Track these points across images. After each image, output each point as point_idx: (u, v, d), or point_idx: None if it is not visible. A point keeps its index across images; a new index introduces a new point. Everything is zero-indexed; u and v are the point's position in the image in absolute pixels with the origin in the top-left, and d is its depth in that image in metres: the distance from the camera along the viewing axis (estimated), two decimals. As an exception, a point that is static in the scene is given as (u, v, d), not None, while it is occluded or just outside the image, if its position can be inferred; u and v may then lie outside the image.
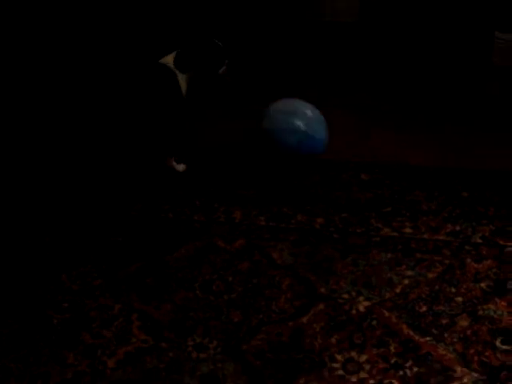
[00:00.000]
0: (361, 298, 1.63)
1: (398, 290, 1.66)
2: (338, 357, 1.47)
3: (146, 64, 2.12)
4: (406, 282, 1.70)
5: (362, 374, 1.42)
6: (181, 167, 2.20)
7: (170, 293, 1.67)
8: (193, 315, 1.59)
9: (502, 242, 1.86)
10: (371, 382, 1.40)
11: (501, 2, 3.21)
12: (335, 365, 1.44)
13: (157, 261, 1.79)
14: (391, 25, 3.47)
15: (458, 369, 1.43)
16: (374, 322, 1.56)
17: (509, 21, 3.25)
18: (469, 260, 1.78)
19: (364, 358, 1.46)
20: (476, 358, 1.46)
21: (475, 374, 1.42)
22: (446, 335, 1.52)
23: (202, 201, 2.06)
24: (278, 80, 3.02)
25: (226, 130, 2.53)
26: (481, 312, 1.59)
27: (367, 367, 1.44)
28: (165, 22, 3.18)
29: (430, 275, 1.72)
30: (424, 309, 1.60)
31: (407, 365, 1.44)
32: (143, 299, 1.65)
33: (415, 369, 1.43)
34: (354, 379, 1.41)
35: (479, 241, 1.87)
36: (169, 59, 2.06)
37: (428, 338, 1.51)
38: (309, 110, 2.22)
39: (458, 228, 1.92)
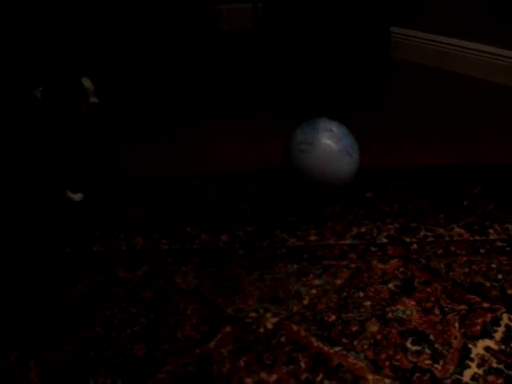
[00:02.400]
0: (268, 315, 1.58)
1: (305, 302, 1.62)
2: (248, 380, 1.41)
3: (18, 96, 2.02)
4: (314, 291, 1.66)
5: (273, 396, 1.37)
6: (77, 197, 2.11)
7: (68, 334, 1.57)
8: (93, 355, 1.50)
9: (407, 240, 1.85)
10: (282, 402, 1.35)
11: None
12: (245, 389, 1.39)
13: (54, 301, 1.69)
14: (287, 29, 3.47)
15: (370, 377, 1.40)
16: (283, 339, 1.51)
17: (403, 15, 3.30)
18: (375, 262, 1.76)
19: (274, 377, 1.41)
20: (387, 363, 1.43)
21: (388, 380, 1.39)
22: (355, 343, 1.49)
23: (100, 230, 1.97)
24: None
25: (126, 156, 2.46)
26: (390, 314, 1.57)
27: (278, 387, 1.39)
28: (36, 55, 3.06)
29: (338, 282, 1.69)
30: (333, 318, 1.57)
31: (318, 379, 1.40)
32: (41, 343, 1.55)
33: (326, 382, 1.39)
34: (264, 402, 1.36)
35: (385, 241, 1.85)
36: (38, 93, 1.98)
37: (338, 348, 1.47)
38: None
39: (363, 230, 1.90)
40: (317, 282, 1.69)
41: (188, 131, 2.65)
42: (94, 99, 1.98)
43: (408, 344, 1.48)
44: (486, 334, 1.51)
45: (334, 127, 1.98)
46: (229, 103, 2.93)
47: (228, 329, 1.55)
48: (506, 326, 1.53)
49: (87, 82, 1.97)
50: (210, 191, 2.17)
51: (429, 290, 1.65)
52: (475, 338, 1.49)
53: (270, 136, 2.52)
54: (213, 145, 2.51)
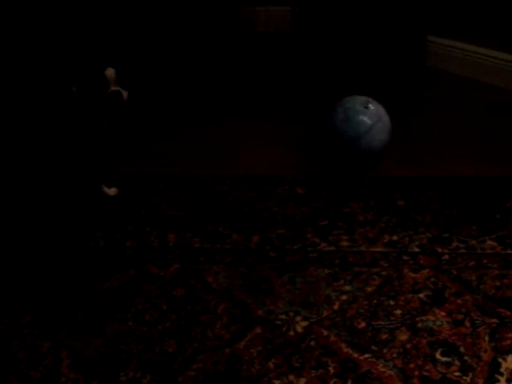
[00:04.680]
0: (298, 318, 1.59)
1: (335, 307, 1.63)
2: (276, 382, 1.42)
3: (55, 91, 2.07)
4: (344, 297, 1.66)
5: (301, 399, 1.38)
6: (112, 191, 2.13)
7: (100, 326, 1.59)
8: (125, 348, 1.53)
9: (439, 250, 1.85)
10: (311, 406, 1.36)
11: (433, 6, 3.24)
12: (273, 391, 1.40)
13: (87, 293, 1.71)
14: (323, 33, 3.47)
15: (399, 385, 1.40)
16: (313, 343, 1.52)
17: (441, 25, 3.29)
18: (406, 270, 1.76)
19: (303, 381, 1.42)
20: (416, 373, 1.43)
21: (416, 390, 1.39)
22: (385, 351, 1.49)
23: (134, 225, 2.00)
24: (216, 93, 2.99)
25: (158, 152, 2.49)
26: (420, 324, 1.57)
27: (306, 391, 1.40)
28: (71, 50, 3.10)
29: (369, 289, 1.70)
30: (363, 325, 1.57)
31: (347, 385, 1.41)
32: (73, 335, 1.58)
33: (355, 389, 1.40)
34: (293, 405, 1.37)
35: (416, 250, 1.85)
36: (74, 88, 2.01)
37: (367, 355, 1.48)
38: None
39: (395, 238, 1.90)
40: (347, 287, 1.70)
41: (222, 131, 2.67)
42: (115, 87, 1.95)
43: (437, 355, 1.48)
44: (517, 348, 1.50)
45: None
46: (264, 106, 2.94)
47: (258, 330, 1.56)
48: (533, 344, 1.52)
49: (109, 71, 1.95)
50: (242, 192, 2.18)
51: (460, 301, 1.65)
52: (505, 352, 1.49)
53: (302, 141, 2.53)
54: (246, 146, 2.52)
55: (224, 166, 2.35)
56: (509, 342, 1.52)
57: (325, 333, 1.54)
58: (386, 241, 1.89)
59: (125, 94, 1.97)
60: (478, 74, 3.16)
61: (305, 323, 1.58)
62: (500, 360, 1.47)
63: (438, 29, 3.32)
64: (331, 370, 1.44)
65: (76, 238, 1.95)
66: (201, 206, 2.10)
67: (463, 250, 1.85)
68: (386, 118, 2.25)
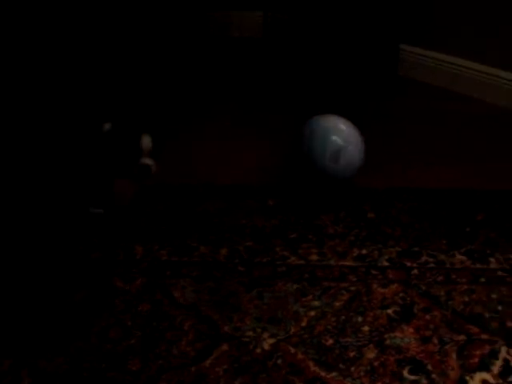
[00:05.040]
0: (265, 335, 1.57)
1: (303, 324, 1.61)
2: (242, 402, 1.40)
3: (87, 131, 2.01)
4: (313, 313, 1.64)
5: (267, 420, 1.36)
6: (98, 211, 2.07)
7: (63, 343, 1.55)
8: (88, 366, 1.49)
9: (408, 264, 1.84)
10: (276, 427, 1.34)
11: (406, 15, 3.24)
12: (239, 411, 1.38)
13: (50, 309, 1.67)
14: (295, 39, 3.46)
15: (366, 405, 1.39)
16: (280, 361, 1.49)
17: (414, 34, 3.29)
18: (375, 285, 1.75)
19: (269, 401, 1.40)
20: (384, 392, 1.42)
21: (383, 410, 1.38)
22: (352, 369, 1.47)
23: (100, 237, 1.96)
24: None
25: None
26: (388, 341, 1.55)
27: (272, 411, 1.38)
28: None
29: (337, 304, 1.68)
30: (331, 342, 1.55)
31: (313, 405, 1.39)
32: (35, 352, 1.53)
33: (322, 409, 1.38)
34: (258, 426, 1.35)
35: (386, 264, 1.84)
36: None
37: (334, 374, 1.46)
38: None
39: (364, 251, 1.89)
40: (316, 303, 1.68)
41: (193, 140, 2.64)
42: (146, 160, 1.89)
43: (405, 373, 1.47)
44: (484, 366, 1.49)
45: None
46: (236, 114, 2.91)
47: (225, 347, 1.53)
48: (504, 359, 1.51)
49: (146, 141, 1.88)
50: (211, 202, 2.15)
51: (428, 317, 1.64)
52: (472, 370, 1.48)
53: (274, 148, 2.51)
54: (215, 153, 2.49)
55: (194, 176, 2.32)
56: (476, 359, 1.51)
57: (292, 350, 1.52)
58: (355, 254, 1.88)
59: (154, 167, 1.89)
60: (451, 84, 3.17)
61: (272, 340, 1.55)
62: (467, 378, 1.46)
63: (411, 38, 3.32)
64: (298, 389, 1.42)
65: (39, 252, 1.90)
66: (169, 217, 2.07)
67: (432, 265, 1.85)
68: (356, 154, 2.19)
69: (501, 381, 1.46)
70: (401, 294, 1.72)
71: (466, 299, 1.71)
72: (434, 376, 1.46)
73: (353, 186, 2.23)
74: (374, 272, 1.80)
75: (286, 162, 2.38)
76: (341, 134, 2.17)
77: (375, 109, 2.98)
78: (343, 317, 1.63)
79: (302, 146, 2.21)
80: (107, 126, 1.90)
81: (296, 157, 2.26)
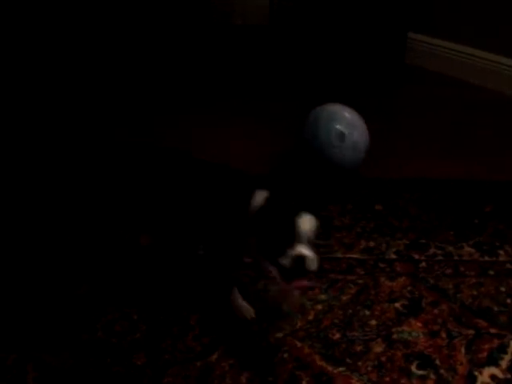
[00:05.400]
0: (272, 329, 1.55)
1: (310, 317, 1.59)
2: (249, 397, 1.39)
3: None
4: (319, 307, 1.63)
5: (274, 415, 1.35)
6: None
7: (69, 337, 1.54)
8: (93, 360, 1.48)
9: (416, 257, 1.83)
10: (283, 423, 1.33)
11: (414, 3, 3.20)
12: (245, 407, 1.37)
13: (56, 302, 1.66)
14: (302, 27, 3.42)
15: (373, 401, 1.38)
16: (286, 355, 1.48)
17: (422, 22, 3.25)
18: (383, 278, 1.73)
19: (276, 396, 1.39)
20: (391, 387, 1.41)
21: (391, 405, 1.37)
22: (360, 364, 1.46)
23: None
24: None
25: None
26: (395, 335, 1.54)
27: (279, 407, 1.37)
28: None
29: (344, 298, 1.66)
30: (337, 336, 1.54)
31: (320, 401, 1.38)
32: (40, 346, 1.52)
33: (329, 404, 1.37)
34: (265, 421, 1.34)
35: (393, 256, 1.82)
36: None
37: (342, 369, 1.45)
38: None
39: (371, 244, 1.87)
40: (322, 296, 1.66)
41: (194, 127, 2.61)
42: (302, 250, 1.35)
43: (413, 368, 1.45)
44: (493, 361, 1.48)
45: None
46: (239, 102, 2.88)
47: (230, 341, 1.52)
48: (514, 354, 1.50)
49: (306, 223, 1.36)
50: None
51: (436, 311, 1.62)
52: (481, 365, 1.47)
53: (278, 137, 2.48)
54: (216, 142, 2.46)
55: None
56: (485, 354, 1.50)
57: (298, 344, 1.51)
58: (362, 247, 1.86)
59: (315, 261, 1.36)
60: (458, 72, 3.13)
61: (279, 334, 1.54)
62: (476, 373, 1.45)
63: (418, 26, 3.28)
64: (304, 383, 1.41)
65: (46, 243, 1.89)
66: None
67: (440, 257, 1.83)
68: (361, 140, 2.17)
69: (510, 375, 1.44)
70: (409, 288, 1.70)
71: (475, 292, 1.70)
72: (442, 371, 1.45)
73: (359, 176, 2.21)
74: (381, 265, 1.78)
75: (291, 150, 2.35)
76: (345, 121, 2.16)
77: (382, 97, 2.95)
78: (350, 310, 1.62)
79: (306, 133, 2.19)
80: (259, 198, 1.41)
81: (301, 146, 2.24)
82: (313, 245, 1.36)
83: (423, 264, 1.79)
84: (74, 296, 1.67)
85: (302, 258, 1.33)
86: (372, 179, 2.21)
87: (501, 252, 1.86)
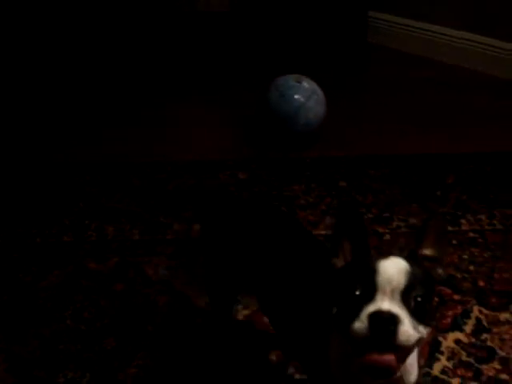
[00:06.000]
0: (239, 307, 1.57)
1: (277, 294, 1.61)
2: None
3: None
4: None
5: None
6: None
7: (37, 327, 1.55)
8: (63, 348, 1.49)
9: (380, 230, 1.85)
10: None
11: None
12: None
13: (23, 293, 1.66)
14: (263, 11, 3.41)
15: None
16: (253, 331, 1.50)
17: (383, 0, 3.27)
18: (348, 253, 1.75)
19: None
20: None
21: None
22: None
23: (71, 219, 1.95)
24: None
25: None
26: (361, 307, 1.56)
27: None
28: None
29: (310, 273, 1.68)
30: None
31: (289, 371, 1.40)
32: (9, 337, 1.53)
33: (297, 376, 1.39)
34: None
35: (358, 231, 1.85)
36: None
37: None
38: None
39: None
40: (289, 273, 1.68)
41: (158, 116, 2.61)
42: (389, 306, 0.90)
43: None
44: (457, 326, 1.51)
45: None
46: (201, 89, 2.89)
47: (199, 321, 1.54)
48: (477, 318, 1.53)
49: (390, 268, 0.92)
50: (182, 180, 2.14)
51: (401, 282, 1.65)
52: (445, 331, 1.50)
53: (240, 123, 2.50)
54: (184, 131, 2.47)
55: (162, 153, 2.31)
56: (449, 320, 1.53)
57: (266, 320, 1.53)
58: (327, 223, 1.88)
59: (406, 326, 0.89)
60: (420, 49, 3.16)
61: (246, 311, 1.56)
62: (440, 339, 1.48)
63: (379, 4, 3.30)
64: (274, 357, 1.43)
65: (9, 236, 1.89)
66: (140, 196, 2.06)
67: (404, 229, 1.86)
68: (319, 92, 2.25)
69: (473, 339, 1.48)
70: (373, 260, 1.72)
71: (438, 262, 1.72)
72: (407, 338, 1.47)
73: (324, 154, 2.23)
74: (346, 239, 1.80)
75: (252, 132, 2.38)
76: (303, 88, 2.23)
77: (346, 76, 2.97)
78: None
79: (266, 104, 2.23)
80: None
81: (262, 118, 2.28)
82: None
83: (387, 237, 1.82)
84: (44, 285, 1.68)
85: (382, 319, 0.88)
86: (336, 157, 2.24)
87: (463, 221, 1.89)
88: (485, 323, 1.52)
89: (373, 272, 0.90)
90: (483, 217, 1.92)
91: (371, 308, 0.88)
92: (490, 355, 1.44)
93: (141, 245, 1.82)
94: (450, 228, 1.86)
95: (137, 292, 1.64)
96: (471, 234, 1.84)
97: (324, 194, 2.02)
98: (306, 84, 2.24)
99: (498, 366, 1.41)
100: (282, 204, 1.96)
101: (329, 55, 3.12)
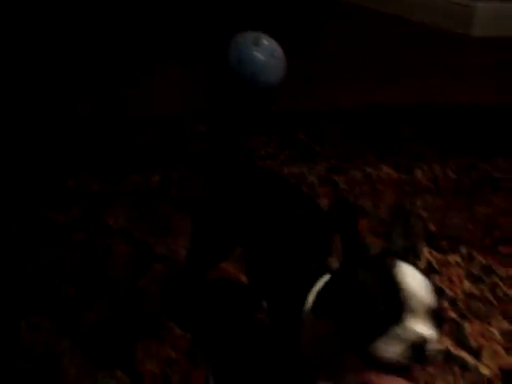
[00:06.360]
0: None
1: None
2: (177, 317, 1.44)
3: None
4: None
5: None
6: None
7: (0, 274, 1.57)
8: (25, 296, 1.51)
9: (337, 179, 1.90)
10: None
11: None
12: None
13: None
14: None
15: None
16: (213, 275, 1.54)
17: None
18: (304, 201, 1.79)
19: (203, 314, 1.45)
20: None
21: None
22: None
23: (32, 170, 1.95)
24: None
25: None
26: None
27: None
28: None
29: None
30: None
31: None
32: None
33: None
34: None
35: (315, 181, 1.89)
36: None
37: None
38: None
39: (295, 170, 1.93)
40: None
41: (118, 75, 2.60)
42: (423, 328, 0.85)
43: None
44: (408, 268, 1.57)
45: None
46: (159, 46, 2.87)
47: (159, 267, 1.57)
48: (427, 260, 1.59)
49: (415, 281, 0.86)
50: (143, 133, 2.16)
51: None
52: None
53: (199, 79, 2.50)
54: (145, 88, 2.46)
55: (123, 108, 2.30)
56: (400, 262, 1.58)
57: (228, 267, 1.56)
58: (285, 173, 1.92)
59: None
60: (389, 7, 3.17)
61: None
62: (392, 280, 1.53)
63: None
64: (231, 301, 1.48)
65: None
66: (101, 149, 2.07)
67: (360, 178, 1.90)
68: (279, 52, 2.25)
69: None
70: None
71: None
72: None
73: (283, 108, 2.26)
74: (304, 189, 1.84)
75: (211, 85, 2.38)
76: (264, 46, 2.22)
77: (307, 31, 2.97)
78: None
79: (230, 61, 2.23)
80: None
81: (226, 74, 2.28)
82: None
83: (343, 185, 1.87)
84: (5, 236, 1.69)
85: (425, 348, 0.84)
86: (295, 111, 2.26)
87: (417, 170, 1.94)
88: (435, 265, 1.58)
89: (396, 287, 0.84)
90: (437, 166, 1.97)
91: (408, 333, 0.83)
92: (439, 295, 1.50)
93: (101, 196, 1.84)
94: (404, 176, 1.91)
95: (97, 242, 1.66)
96: (425, 183, 1.89)
97: (283, 146, 2.06)
98: (266, 42, 2.23)
99: (446, 306, 1.48)
100: (242, 155, 1.99)
101: (289, 11, 3.12)
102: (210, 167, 1.50)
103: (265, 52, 2.19)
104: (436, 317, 0.85)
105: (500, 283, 1.56)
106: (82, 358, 1.35)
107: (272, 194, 1.20)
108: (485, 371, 1.35)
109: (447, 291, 1.51)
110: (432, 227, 1.70)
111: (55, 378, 1.31)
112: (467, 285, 1.53)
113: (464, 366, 1.35)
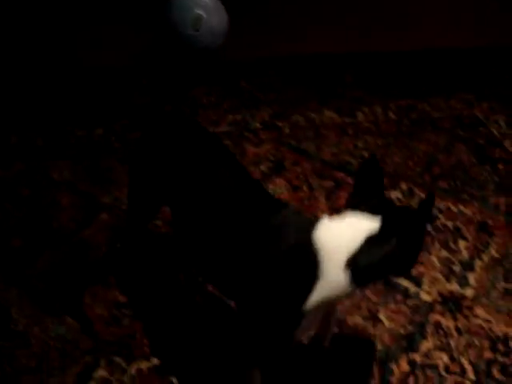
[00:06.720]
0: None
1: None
2: (125, 262, 1.46)
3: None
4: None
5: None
6: None
7: None
8: (-31, 250, 1.51)
9: (280, 125, 1.92)
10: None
11: None
12: (122, 271, 1.44)
13: None
14: None
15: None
16: (159, 222, 1.55)
17: None
18: (248, 146, 1.81)
19: (150, 258, 1.47)
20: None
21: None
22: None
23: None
24: None
25: None
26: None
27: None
28: None
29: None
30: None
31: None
32: None
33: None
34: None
35: (259, 126, 1.91)
36: None
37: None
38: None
39: (238, 117, 1.94)
40: (192, 168, 1.73)
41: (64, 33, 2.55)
42: None
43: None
44: (351, 205, 1.60)
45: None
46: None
47: (104, 216, 1.57)
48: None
49: None
50: (85, 86, 2.13)
51: (298, 169, 1.73)
52: (340, 211, 1.58)
53: (140, 31, 2.46)
54: (90, 43, 2.42)
55: (70, 60, 2.26)
56: (343, 200, 1.62)
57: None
58: (229, 121, 1.93)
59: None
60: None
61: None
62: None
63: None
64: (178, 245, 1.49)
65: None
66: (45, 104, 2.04)
67: (303, 123, 1.92)
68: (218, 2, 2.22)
69: (365, 216, 1.57)
70: (272, 152, 1.79)
71: (335, 150, 1.81)
72: (304, 219, 1.56)
73: (225, 58, 2.25)
74: (246, 134, 1.86)
75: (153, 41, 2.36)
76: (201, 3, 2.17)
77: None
78: (219, 177, 1.69)
79: (170, 20, 2.19)
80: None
81: (160, 32, 2.25)
82: None
83: (287, 130, 1.89)
84: None
85: None
86: (238, 61, 2.26)
87: (359, 114, 1.98)
88: (376, 201, 1.62)
89: None
90: (378, 108, 2.01)
91: None
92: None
93: (45, 150, 1.82)
94: (346, 120, 1.94)
95: (42, 195, 1.66)
96: (366, 125, 1.93)
97: (225, 94, 2.06)
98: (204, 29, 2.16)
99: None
100: (186, 104, 2.00)
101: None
102: (149, 121, 1.47)
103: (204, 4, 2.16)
104: None
105: (439, 215, 1.61)
106: (31, 308, 1.36)
107: (203, 156, 1.17)
108: (426, 297, 1.40)
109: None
110: (373, 166, 1.74)
111: (6, 329, 1.33)
112: (408, 218, 1.58)
113: (406, 293, 1.40)
